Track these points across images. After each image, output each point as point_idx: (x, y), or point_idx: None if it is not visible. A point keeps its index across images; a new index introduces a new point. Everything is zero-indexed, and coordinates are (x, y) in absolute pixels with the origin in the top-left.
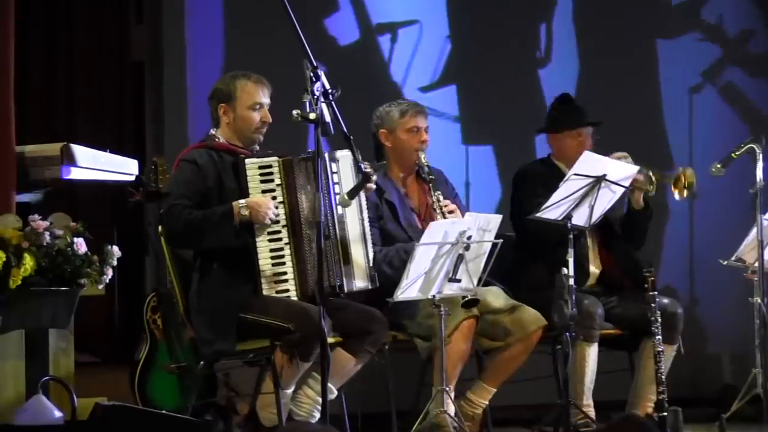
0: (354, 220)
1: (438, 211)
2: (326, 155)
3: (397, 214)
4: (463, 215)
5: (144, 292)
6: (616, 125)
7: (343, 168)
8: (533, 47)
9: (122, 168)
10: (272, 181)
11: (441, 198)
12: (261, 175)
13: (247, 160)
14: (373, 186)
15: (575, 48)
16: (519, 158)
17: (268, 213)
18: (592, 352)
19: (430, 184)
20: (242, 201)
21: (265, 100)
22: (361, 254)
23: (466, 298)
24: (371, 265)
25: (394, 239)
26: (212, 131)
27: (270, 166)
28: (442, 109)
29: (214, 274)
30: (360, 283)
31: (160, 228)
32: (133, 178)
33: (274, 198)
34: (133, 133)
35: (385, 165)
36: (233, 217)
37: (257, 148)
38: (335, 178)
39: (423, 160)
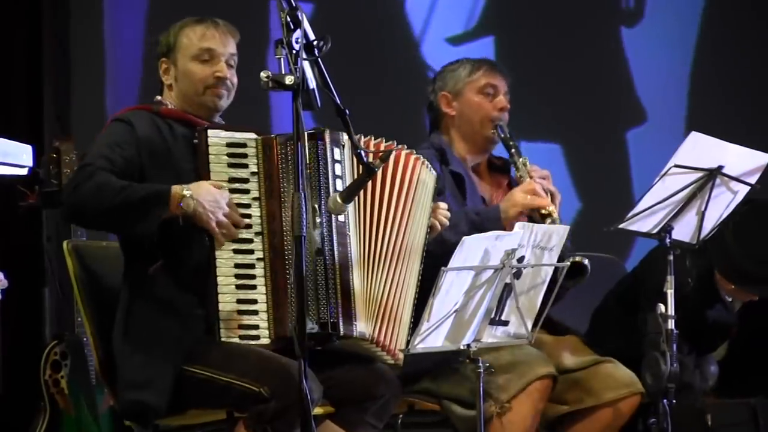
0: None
1: (525, 176)
2: (327, 137)
3: (464, 189)
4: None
5: (42, 339)
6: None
7: (350, 157)
8: None
9: (9, 157)
10: (245, 167)
11: (528, 162)
12: (230, 156)
13: (210, 132)
14: None
15: None
16: (598, 156)
17: (218, 214)
18: None
19: (513, 150)
20: (187, 186)
21: (220, 47)
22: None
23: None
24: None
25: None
26: (158, 98)
27: (244, 145)
28: None
29: (153, 288)
30: (364, 327)
31: (66, 245)
32: (25, 171)
33: (246, 192)
34: (26, 108)
35: (441, 138)
36: (168, 203)
37: (222, 122)
38: (338, 169)
39: (504, 133)
